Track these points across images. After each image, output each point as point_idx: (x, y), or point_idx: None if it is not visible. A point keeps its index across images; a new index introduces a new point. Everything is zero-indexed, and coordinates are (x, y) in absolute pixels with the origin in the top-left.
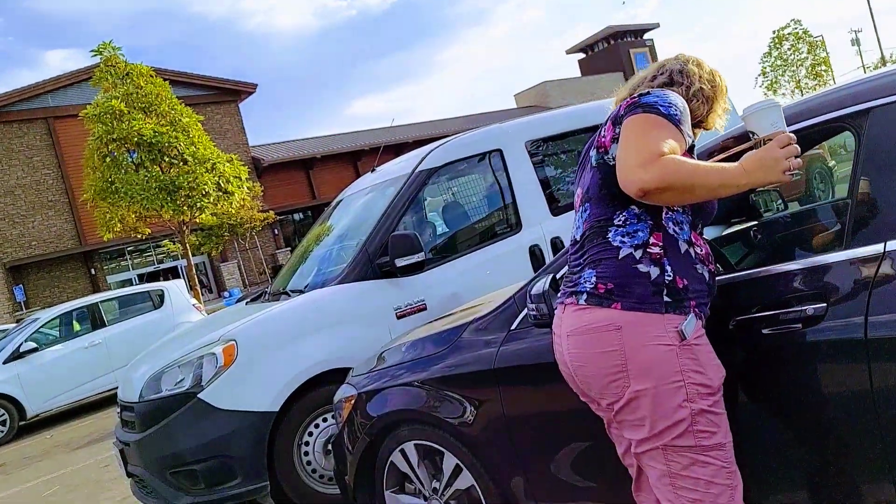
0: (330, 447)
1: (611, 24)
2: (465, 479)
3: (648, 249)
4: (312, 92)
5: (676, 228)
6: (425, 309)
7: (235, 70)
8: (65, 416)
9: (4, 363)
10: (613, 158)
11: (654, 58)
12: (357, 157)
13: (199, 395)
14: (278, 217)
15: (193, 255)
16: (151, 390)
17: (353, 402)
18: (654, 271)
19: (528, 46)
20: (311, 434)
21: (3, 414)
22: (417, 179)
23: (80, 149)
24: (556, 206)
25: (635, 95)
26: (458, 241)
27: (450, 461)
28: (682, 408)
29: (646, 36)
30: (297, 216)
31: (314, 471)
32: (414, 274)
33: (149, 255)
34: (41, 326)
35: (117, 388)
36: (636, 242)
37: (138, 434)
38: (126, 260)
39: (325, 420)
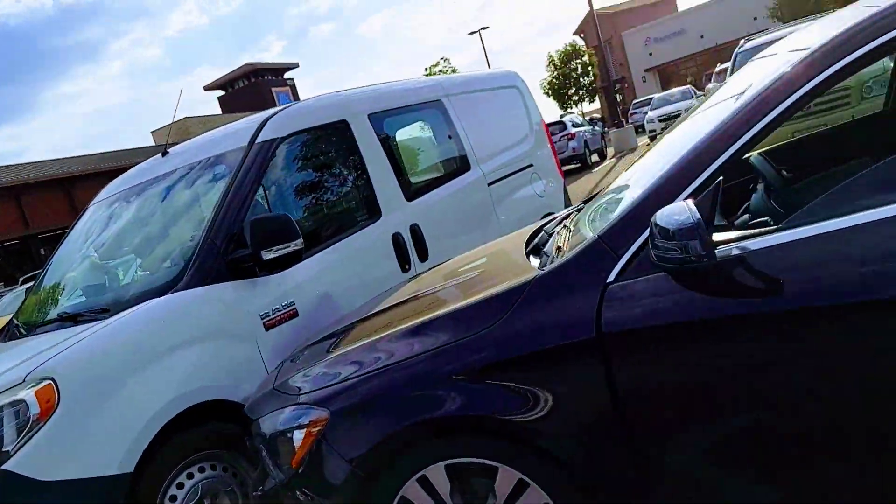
0: None
1: (250, 62)
2: (534, 497)
3: None
4: None
5: None
6: (297, 315)
7: None
8: None
9: None
10: None
11: (297, 96)
12: None
13: (3, 467)
14: None
15: None
16: None
17: (321, 426)
18: None
19: (149, 84)
20: (173, 500)
21: None
22: (260, 152)
23: None
24: (410, 190)
25: None
26: (319, 231)
27: (507, 477)
28: None
29: (286, 75)
30: None
31: None
32: (283, 269)
33: None
34: None
35: None
36: None
37: None
38: None
39: (189, 476)
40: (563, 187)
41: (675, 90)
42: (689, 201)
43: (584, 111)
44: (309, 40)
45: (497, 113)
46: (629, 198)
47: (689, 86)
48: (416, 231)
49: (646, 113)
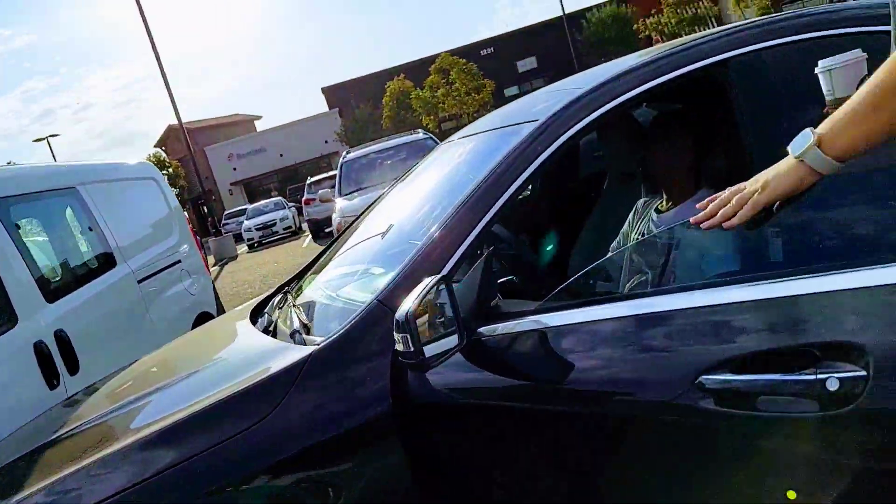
0: None
1: None
2: None
3: None
4: None
5: None
6: None
7: None
8: None
9: None
10: None
11: None
12: None
13: None
14: None
15: None
16: None
17: None
18: None
19: None
20: None
21: None
22: None
23: None
24: (50, 289)
25: None
26: None
27: None
28: None
29: None
30: None
31: None
32: None
33: None
34: None
35: None
36: None
37: None
38: None
39: None
40: (211, 283)
41: (268, 201)
42: (437, 278)
43: None
44: None
45: (138, 205)
46: (402, 257)
47: (280, 197)
48: (62, 338)
49: (241, 223)
